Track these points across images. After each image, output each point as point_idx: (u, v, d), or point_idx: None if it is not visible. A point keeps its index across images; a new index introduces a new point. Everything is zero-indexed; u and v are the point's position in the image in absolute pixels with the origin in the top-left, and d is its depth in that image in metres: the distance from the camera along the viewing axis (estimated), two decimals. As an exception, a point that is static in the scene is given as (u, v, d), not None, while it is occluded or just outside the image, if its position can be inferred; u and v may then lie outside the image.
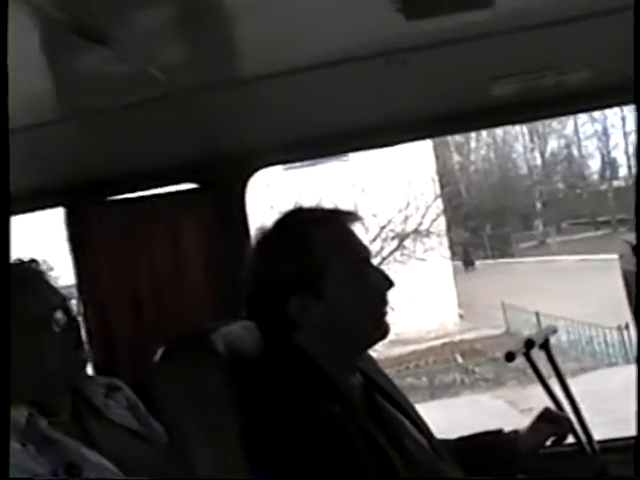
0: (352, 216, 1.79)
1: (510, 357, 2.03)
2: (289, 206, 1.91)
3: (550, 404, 2.07)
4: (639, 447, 1.47)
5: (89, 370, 2.18)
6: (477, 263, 32.35)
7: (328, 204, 1.83)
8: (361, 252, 1.77)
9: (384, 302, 1.75)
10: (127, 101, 2.13)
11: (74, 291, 2.45)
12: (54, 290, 1.91)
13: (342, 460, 1.53)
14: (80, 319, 1.97)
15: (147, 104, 2.14)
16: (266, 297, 1.68)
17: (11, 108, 2.13)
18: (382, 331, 1.75)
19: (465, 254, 32.44)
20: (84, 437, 1.84)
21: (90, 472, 1.75)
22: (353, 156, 14.76)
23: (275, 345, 1.70)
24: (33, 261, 1.94)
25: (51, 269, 1.95)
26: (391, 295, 1.77)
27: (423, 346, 16.68)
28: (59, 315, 1.85)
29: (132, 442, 1.94)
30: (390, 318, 1.76)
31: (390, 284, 1.74)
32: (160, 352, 1.64)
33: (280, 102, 2.27)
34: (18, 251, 2.01)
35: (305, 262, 1.67)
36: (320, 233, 1.71)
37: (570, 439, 1.99)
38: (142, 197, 2.64)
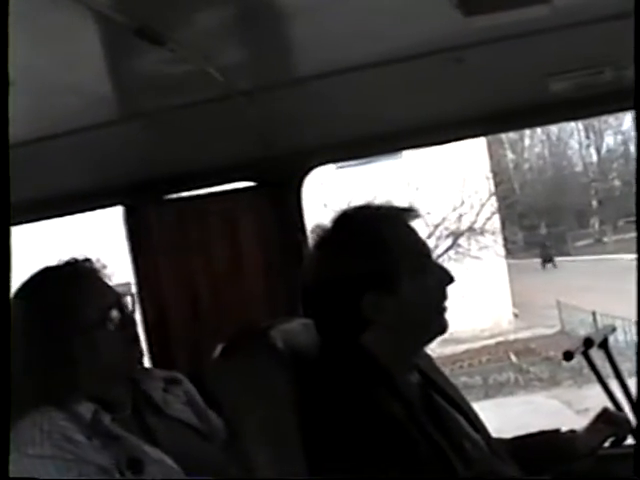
0: (412, 213, 1.79)
1: (568, 356, 2.01)
2: (343, 204, 1.91)
3: (608, 404, 2.05)
4: (639, 447, 1.45)
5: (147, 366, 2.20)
6: (530, 261, 31.86)
7: (383, 202, 1.82)
8: (424, 248, 1.78)
9: (444, 297, 1.76)
10: (186, 101, 2.16)
11: (128, 289, 2.48)
12: (108, 288, 1.93)
13: (400, 458, 1.53)
14: (135, 315, 1.98)
15: (206, 104, 2.16)
16: (335, 295, 1.68)
17: (72, 109, 2.18)
18: (442, 327, 1.75)
19: (543, 251, 31.91)
20: (145, 433, 1.86)
21: (151, 468, 1.77)
22: (407, 154, 14.71)
23: (336, 343, 1.70)
24: (87, 260, 1.96)
25: (104, 267, 1.98)
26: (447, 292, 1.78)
27: (477, 345, 16.55)
28: (114, 313, 1.88)
29: (191, 438, 1.95)
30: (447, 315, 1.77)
31: (451, 279, 1.75)
32: (219, 348, 1.65)
33: (335, 101, 2.28)
34: (75, 250, 2.05)
35: (378, 258, 1.68)
36: (389, 230, 1.73)
37: (630, 440, 1.96)
38: (200, 195, 2.66)
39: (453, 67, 1.97)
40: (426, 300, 1.73)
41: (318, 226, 1.78)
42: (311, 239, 1.79)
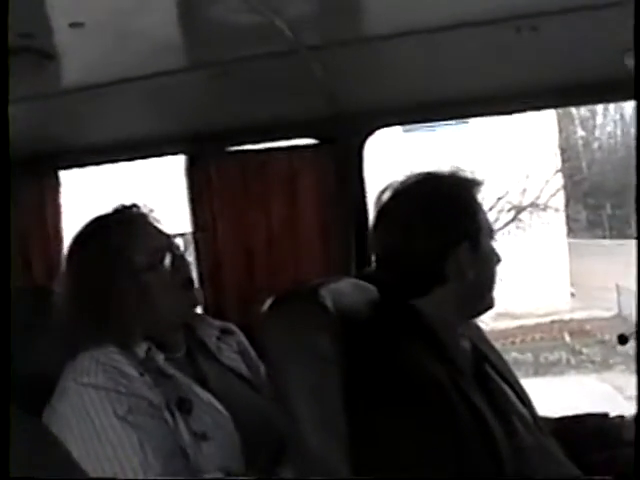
0: (479, 183, 1.79)
1: (623, 340, 1.99)
2: (408, 168, 1.89)
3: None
4: (639, 447, 1.42)
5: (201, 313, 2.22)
6: (591, 241, 31.34)
7: (450, 169, 1.81)
8: (489, 219, 1.80)
9: (496, 274, 1.78)
10: (253, 53, 2.15)
11: (184, 239, 2.50)
12: (159, 231, 1.96)
13: (444, 425, 1.52)
14: (188, 259, 2.00)
15: (272, 58, 2.15)
16: (414, 252, 1.68)
17: (138, 55, 2.19)
18: (493, 302, 1.78)
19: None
20: (196, 375, 1.90)
21: (200, 409, 1.80)
22: (474, 122, 14.52)
23: (392, 304, 1.70)
24: (135, 205, 2.00)
25: (152, 211, 2.00)
26: (502, 267, 1.80)
27: (531, 322, 16.40)
28: (165, 256, 1.90)
29: (240, 386, 1.98)
30: (498, 291, 1.79)
31: (499, 259, 1.78)
32: (269, 303, 1.66)
33: (404, 63, 2.25)
34: (132, 196, 2.08)
35: (462, 218, 1.71)
36: (470, 194, 1.75)
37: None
38: (261, 150, 2.66)
39: (527, 36, 1.92)
40: (492, 269, 1.76)
41: (397, 183, 1.77)
42: (387, 197, 1.77)
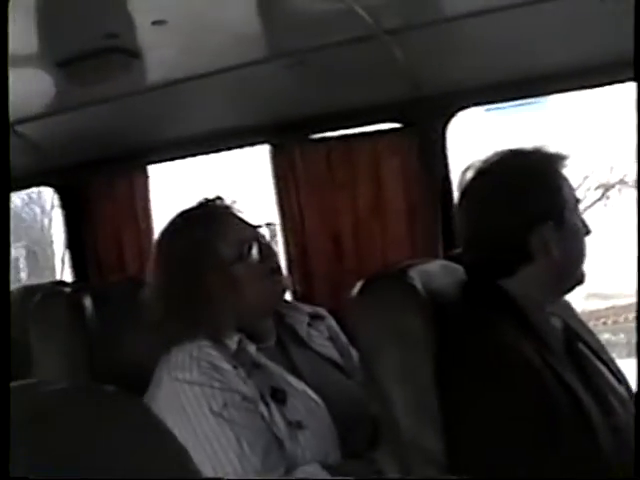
0: (565, 159, 1.76)
1: None
2: (491, 148, 1.87)
3: None
4: (639, 447, 1.37)
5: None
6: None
7: (537, 147, 1.78)
8: (576, 194, 1.77)
9: (585, 247, 1.74)
10: (333, 40, 2.15)
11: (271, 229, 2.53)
12: (245, 222, 1.98)
13: (535, 402, 1.51)
14: (275, 248, 2.02)
15: (352, 43, 2.16)
16: (501, 229, 1.67)
17: (219, 48, 2.22)
18: (583, 276, 1.74)
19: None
20: (288, 364, 1.91)
21: (294, 398, 1.80)
22: (557, 99, 14.22)
23: (480, 284, 1.69)
24: (219, 198, 2.01)
25: (235, 202, 2.02)
26: (591, 246, 1.76)
27: (623, 302, 16.00)
28: (252, 246, 1.92)
29: (332, 373, 1.98)
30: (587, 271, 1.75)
31: (589, 231, 1.74)
32: (358, 287, 1.66)
33: (484, 42, 2.22)
34: (218, 189, 2.10)
35: (549, 194, 1.68)
36: (554, 169, 1.72)
37: None
38: (344, 136, 2.67)
39: (612, 5, 1.88)
40: (580, 244, 1.72)
41: (479, 162, 1.75)
42: (470, 176, 1.75)
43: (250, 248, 1.91)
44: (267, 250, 1.94)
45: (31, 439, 0.67)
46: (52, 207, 13.56)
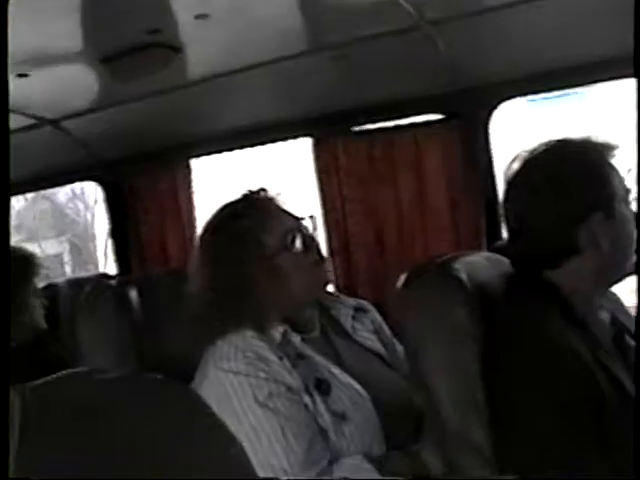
0: (614, 148, 1.73)
1: None
2: (535, 139, 1.85)
3: None
4: (639, 447, 1.34)
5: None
6: None
7: (583, 136, 1.75)
8: (625, 183, 1.73)
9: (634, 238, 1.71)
10: (376, 32, 2.15)
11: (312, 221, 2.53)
12: (288, 213, 1.98)
13: (583, 395, 1.49)
14: (317, 239, 2.02)
15: (395, 35, 2.15)
16: (550, 220, 1.65)
17: (262, 42, 2.23)
18: (632, 268, 1.70)
19: None
20: (332, 355, 1.91)
21: (338, 390, 1.80)
22: (601, 90, 14.03)
23: (526, 276, 1.68)
24: (262, 190, 2.02)
25: (279, 194, 2.03)
26: None
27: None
28: (295, 237, 1.92)
29: (377, 365, 1.97)
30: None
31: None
32: (403, 279, 1.66)
33: (525, 33, 2.20)
34: (261, 181, 2.11)
35: (599, 186, 1.64)
36: (602, 159, 1.69)
37: None
38: (386, 128, 2.66)
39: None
40: (629, 236, 1.69)
41: (525, 153, 1.73)
42: (516, 167, 1.73)
43: (294, 239, 1.92)
44: (310, 241, 1.94)
45: (85, 427, 0.68)
46: (95, 202, 13.72)
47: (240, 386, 1.73)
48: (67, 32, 2.08)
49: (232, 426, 1.66)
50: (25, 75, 2.31)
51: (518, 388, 1.53)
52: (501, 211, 1.78)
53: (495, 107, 2.53)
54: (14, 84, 2.37)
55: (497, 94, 2.52)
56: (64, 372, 0.74)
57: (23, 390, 0.68)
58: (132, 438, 0.69)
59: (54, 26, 2.01)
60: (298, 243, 1.92)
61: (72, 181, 3.57)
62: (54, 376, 0.73)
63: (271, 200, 1.99)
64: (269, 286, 1.86)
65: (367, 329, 2.04)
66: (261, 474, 1.64)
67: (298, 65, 2.36)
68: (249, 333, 1.80)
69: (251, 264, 1.87)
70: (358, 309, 2.07)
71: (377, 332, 2.06)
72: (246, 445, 1.65)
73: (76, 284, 3.02)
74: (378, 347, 2.02)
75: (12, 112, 2.70)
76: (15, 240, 11.81)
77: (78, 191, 14.40)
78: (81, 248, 15.41)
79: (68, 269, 14.70)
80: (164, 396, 0.77)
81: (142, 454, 0.68)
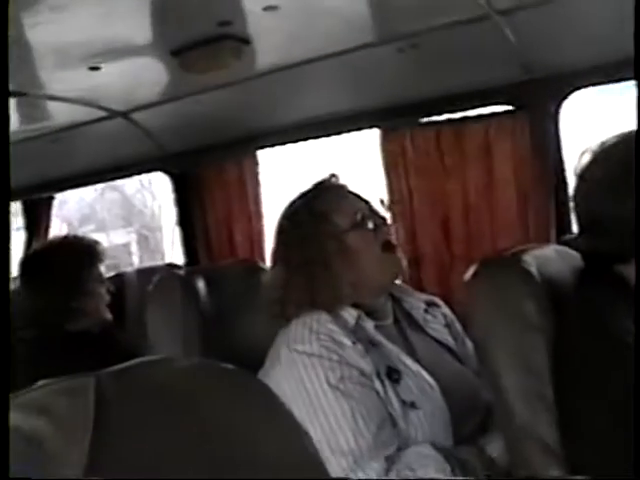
0: None
1: None
2: (606, 130, 1.82)
3: None
4: (639, 447, 1.29)
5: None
6: None
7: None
8: None
9: None
10: (445, 22, 2.13)
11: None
12: (359, 196, 2.02)
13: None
14: (387, 222, 2.03)
15: (464, 25, 2.13)
16: (617, 216, 1.60)
17: (330, 32, 2.23)
18: None
19: None
20: (404, 345, 1.91)
21: (408, 379, 1.81)
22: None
23: (594, 271, 1.65)
24: (333, 175, 2.07)
25: (347, 182, 2.06)
26: None
27: None
28: (368, 216, 1.95)
29: (447, 358, 1.97)
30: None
31: None
32: (472, 271, 1.64)
33: (595, 22, 2.16)
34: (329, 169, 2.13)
35: None
36: None
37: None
38: (455, 119, 2.64)
39: None
40: None
41: (597, 146, 1.70)
42: (587, 160, 1.70)
43: (364, 218, 1.95)
44: (380, 222, 1.97)
45: (157, 412, 0.69)
46: (163, 193, 13.90)
47: (313, 368, 1.74)
48: (138, 25, 2.11)
49: (304, 407, 1.70)
50: (97, 68, 2.35)
51: (587, 384, 1.50)
52: (572, 204, 1.75)
53: (565, 97, 2.49)
54: (87, 77, 2.42)
55: (567, 84, 2.48)
56: (141, 359, 0.76)
57: (98, 376, 0.69)
58: (209, 425, 0.70)
59: (126, 20, 2.05)
60: (368, 222, 1.94)
61: (141, 172, 3.62)
62: (132, 362, 0.74)
63: (342, 185, 2.04)
64: (342, 265, 1.90)
65: (439, 322, 2.05)
66: (330, 456, 1.66)
67: (367, 55, 2.35)
68: (324, 316, 1.82)
69: (323, 241, 1.91)
70: (429, 303, 2.08)
71: (448, 326, 2.06)
72: (316, 426, 1.68)
73: (144, 273, 3.07)
74: (449, 340, 2.02)
75: (84, 104, 2.75)
76: (85, 230, 12.06)
77: (146, 182, 14.59)
78: (148, 238, 15.62)
79: (135, 259, 14.92)
80: (238, 386, 0.78)
81: (218, 441, 0.69)
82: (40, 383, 0.66)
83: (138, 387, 0.72)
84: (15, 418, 0.62)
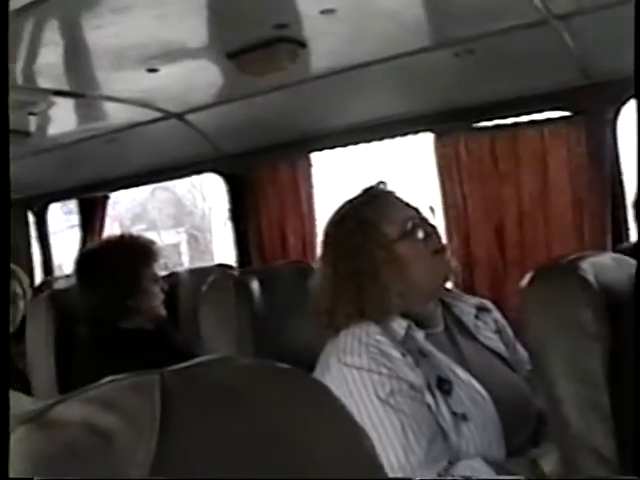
0: None
1: None
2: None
3: None
4: (639, 447, 1.24)
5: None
6: None
7: None
8: None
9: None
10: (502, 27, 2.12)
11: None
12: (406, 204, 1.98)
13: None
14: (437, 229, 2.00)
15: (522, 30, 2.11)
16: None
17: (386, 35, 2.22)
18: None
19: None
20: (454, 353, 1.88)
21: (460, 389, 1.78)
22: None
23: None
24: (382, 182, 2.03)
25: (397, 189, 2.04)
26: None
27: None
28: (417, 224, 1.91)
29: (499, 366, 1.93)
30: None
31: None
32: (528, 277, 1.62)
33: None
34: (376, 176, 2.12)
35: None
36: None
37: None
38: (510, 124, 2.62)
39: None
40: None
41: None
42: None
43: (414, 227, 1.91)
44: (431, 230, 1.93)
45: (218, 412, 0.70)
46: (213, 194, 13.99)
47: (362, 382, 1.72)
48: (196, 28, 2.13)
49: (353, 420, 1.67)
50: (155, 70, 2.38)
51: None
52: (631, 212, 1.73)
53: (624, 103, 2.45)
54: (144, 78, 2.45)
55: (626, 90, 2.44)
56: (201, 358, 0.76)
57: (162, 374, 0.70)
58: (269, 424, 0.70)
59: (183, 23, 2.07)
60: (418, 231, 1.91)
61: (194, 173, 3.65)
62: (195, 361, 0.75)
63: (390, 192, 2.01)
64: (391, 274, 1.86)
65: (490, 328, 2.01)
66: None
67: (422, 60, 2.35)
68: (372, 327, 1.79)
69: (372, 250, 1.87)
70: (481, 308, 2.04)
71: (499, 332, 2.02)
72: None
73: (196, 274, 3.09)
74: (500, 347, 1.98)
75: (141, 106, 2.79)
76: (137, 229, 12.21)
77: (197, 183, 14.71)
78: (198, 238, 15.74)
79: (185, 259, 15.05)
80: (294, 386, 0.78)
81: (279, 441, 0.69)
82: (107, 379, 0.67)
83: (200, 386, 0.72)
84: (85, 412, 0.62)
